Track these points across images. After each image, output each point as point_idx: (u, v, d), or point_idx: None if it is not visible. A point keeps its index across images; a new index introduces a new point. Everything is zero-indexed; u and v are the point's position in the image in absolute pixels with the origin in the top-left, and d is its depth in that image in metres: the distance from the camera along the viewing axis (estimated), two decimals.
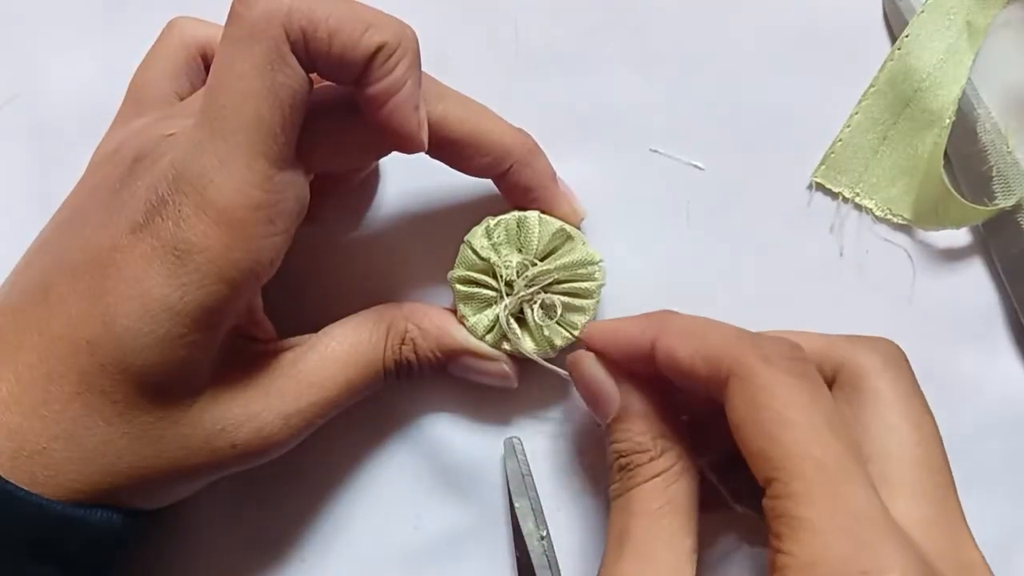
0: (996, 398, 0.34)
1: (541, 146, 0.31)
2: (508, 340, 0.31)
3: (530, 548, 0.32)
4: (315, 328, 0.31)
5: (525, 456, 0.33)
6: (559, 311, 0.31)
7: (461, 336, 0.31)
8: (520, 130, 0.31)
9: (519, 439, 0.33)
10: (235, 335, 0.29)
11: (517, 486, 0.33)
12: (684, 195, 0.34)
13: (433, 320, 0.31)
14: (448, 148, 0.29)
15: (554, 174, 0.32)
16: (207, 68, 0.32)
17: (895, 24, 0.35)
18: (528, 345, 0.31)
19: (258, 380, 0.28)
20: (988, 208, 0.32)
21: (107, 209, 0.27)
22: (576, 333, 0.31)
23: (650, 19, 0.35)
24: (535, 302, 0.31)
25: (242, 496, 0.33)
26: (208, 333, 0.26)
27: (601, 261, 0.31)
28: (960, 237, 0.34)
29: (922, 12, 0.34)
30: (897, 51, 0.34)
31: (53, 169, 0.36)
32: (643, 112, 0.35)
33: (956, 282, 0.34)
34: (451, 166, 0.30)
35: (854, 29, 0.35)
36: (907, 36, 0.34)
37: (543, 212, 0.31)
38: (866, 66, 0.34)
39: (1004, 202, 0.32)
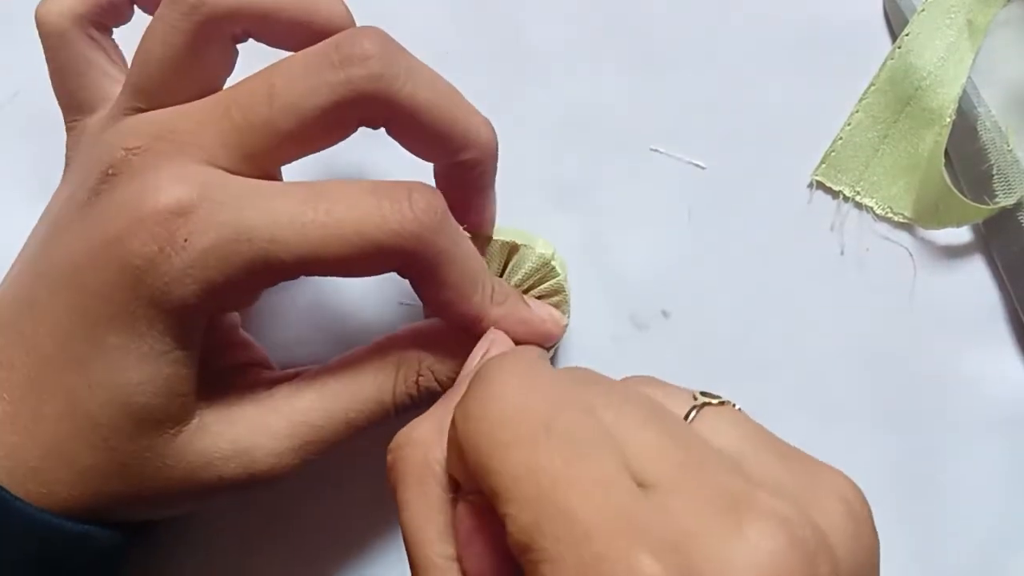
0: (997, 397, 0.34)
1: (540, 146, 0.31)
2: None
3: None
4: (309, 347, 0.30)
5: None
6: None
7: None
8: (486, 122, 0.28)
9: None
10: (222, 366, 0.28)
11: None
12: (685, 194, 0.34)
13: (448, 344, 0.29)
14: (408, 131, 0.27)
15: (493, 180, 0.29)
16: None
17: (895, 22, 0.34)
18: None
19: (249, 416, 0.27)
20: (989, 206, 0.32)
21: (81, 219, 0.26)
22: (564, 323, 0.31)
23: (650, 19, 0.35)
24: None
25: (243, 500, 0.33)
26: (189, 351, 0.25)
27: (554, 253, 0.31)
28: (961, 235, 0.34)
29: (922, 10, 0.34)
30: (898, 50, 0.34)
31: (53, 168, 0.35)
32: (643, 112, 0.35)
33: (957, 280, 0.34)
34: (399, 142, 0.27)
35: (854, 28, 0.35)
36: (907, 34, 0.34)
37: (469, 214, 0.29)
38: (866, 65, 0.34)
39: (1005, 200, 0.32)
